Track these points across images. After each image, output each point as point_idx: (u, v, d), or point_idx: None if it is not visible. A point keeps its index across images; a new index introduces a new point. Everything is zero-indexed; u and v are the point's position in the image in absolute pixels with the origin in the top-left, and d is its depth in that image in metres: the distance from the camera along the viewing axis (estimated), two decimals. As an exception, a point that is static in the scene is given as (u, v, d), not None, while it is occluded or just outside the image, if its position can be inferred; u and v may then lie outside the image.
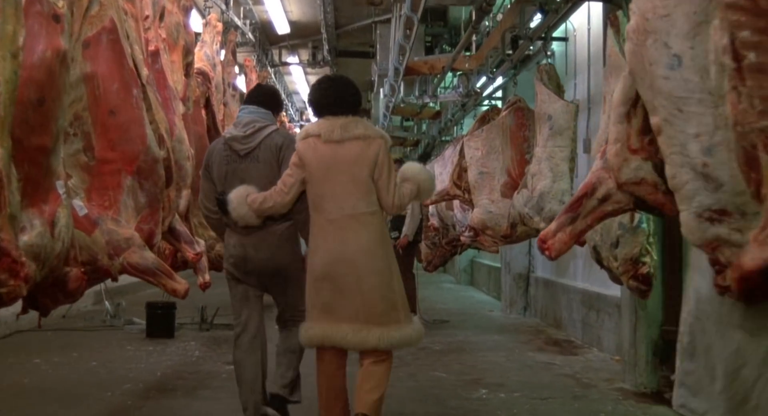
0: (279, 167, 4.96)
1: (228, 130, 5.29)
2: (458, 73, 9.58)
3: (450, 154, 10.76)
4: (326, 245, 4.60)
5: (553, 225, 3.20)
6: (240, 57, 13.53)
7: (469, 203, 8.50)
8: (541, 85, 5.96)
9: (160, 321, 9.61)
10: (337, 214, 4.59)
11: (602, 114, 4.08)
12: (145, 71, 5.30)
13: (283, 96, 19.50)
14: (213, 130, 8.79)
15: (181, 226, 5.60)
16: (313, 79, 19.42)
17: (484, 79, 9.30)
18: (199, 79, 8.57)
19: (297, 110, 24.52)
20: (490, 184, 7.06)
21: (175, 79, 6.74)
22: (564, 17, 6.68)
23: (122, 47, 4.83)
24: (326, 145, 4.62)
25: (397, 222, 10.55)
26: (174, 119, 6.08)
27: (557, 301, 10.65)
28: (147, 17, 6.02)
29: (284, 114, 17.78)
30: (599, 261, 4.21)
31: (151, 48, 6.09)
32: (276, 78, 17.26)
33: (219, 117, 9.09)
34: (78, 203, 4.64)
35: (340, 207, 4.58)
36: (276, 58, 15.20)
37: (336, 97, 4.76)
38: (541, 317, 11.60)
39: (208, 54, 8.87)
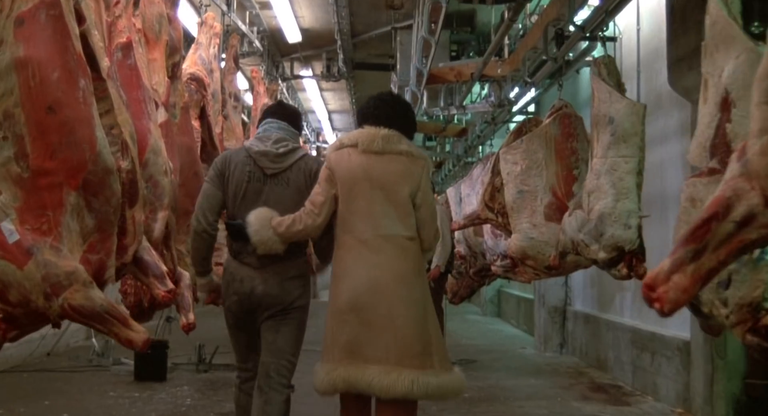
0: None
1: (252, 143, 4.76)
2: (488, 81, 8.52)
3: (479, 173, 9.71)
4: (356, 270, 4.12)
5: (666, 265, 2.09)
6: (247, 68, 12.57)
7: (504, 228, 7.40)
8: (600, 82, 4.86)
9: (150, 363, 8.58)
10: (370, 234, 4.13)
11: (701, 104, 2.99)
12: (105, 62, 4.27)
13: (298, 114, 18.50)
14: (209, 145, 7.76)
15: (150, 256, 4.53)
16: (329, 96, 18.47)
17: (516, 90, 8.28)
18: (192, 86, 7.57)
19: (313, 130, 23.50)
20: (531, 204, 5.98)
21: (156, 80, 5.72)
22: (613, 12, 5.61)
23: (66, 26, 3.79)
24: (364, 155, 4.20)
25: None
26: (148, 125, 5.05)
27: (600, 339, 9.52)
28: (117, 2, 5.02)
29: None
30: (696, 306, 3.09)
31: (122, 39, 5.09)
32: (289, 94, 16.24)
33: (216, 129, 8.04)
34: (7, 227, 3.59)
35: (375, 226, 4.14)
36: (288, 71, 14.17)
37: (384, 107, 4.35)
38: (580, 356, 10.47)
39: (203, 57, 7.84)
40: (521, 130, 7.39)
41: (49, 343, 10.09)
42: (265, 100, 11.44)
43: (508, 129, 9.19)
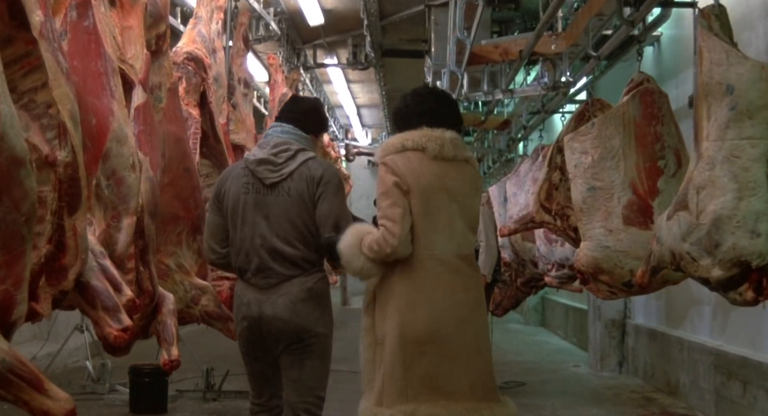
0: (314, 206, 4.16)
1: (252, 152, 4.45)
2: (540, 60, 7.30)
3: (528, 168, 8.55)
4: (437, 294, 3.81)
5: None
6: (264, 56, 11.41)
7: (564, 233, 6.21)
8: (711, 37, 3.62)
9: (148, 392, 7.45)
10: (451, 254, 3.87)
11: None
12: (37, 17, 3.15)
13: (327, 115, 17.36)
14: (211, 137, 6.66)
15: (100, 281, 3.39)
16: (357, 88, 17.33)
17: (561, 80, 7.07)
18: (190, 67, 6.45)
19: (341, 127, 22.37)
20: (605, 204, 4.79)
21: (132, 53, 4.63)
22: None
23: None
24: (435, 162, 3.90)
25: None
26: (110, 106, 3.97)
27: (671, 360, 8.27)
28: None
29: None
30: None
31: (76, -6, 4.02)
32: (313, 86, 15.11)
33: (221, 119, 6.93)
34: None
35: (457, 244, 3.90)
36: (310, 59, 13.00)
37: (445, 105, 4.10)
38: (644, 377, 9.22)
39: (203, 34, 6.72)
40: (583, 115, 6.23)
41: (42, 365, 9.02)
42: (284, 90, 10.34)
43: (563, 118, 7.97)
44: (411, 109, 4.07)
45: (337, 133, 21.50)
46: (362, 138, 23.64)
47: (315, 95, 15.65)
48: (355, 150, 23.38)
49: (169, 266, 5.15)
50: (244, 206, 4.22)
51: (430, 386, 3.77)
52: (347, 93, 17.23)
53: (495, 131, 12.16)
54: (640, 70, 5.12)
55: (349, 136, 23.92)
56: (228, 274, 6.47)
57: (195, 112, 6.44)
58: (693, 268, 3.65)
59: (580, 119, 6.22)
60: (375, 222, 4.13)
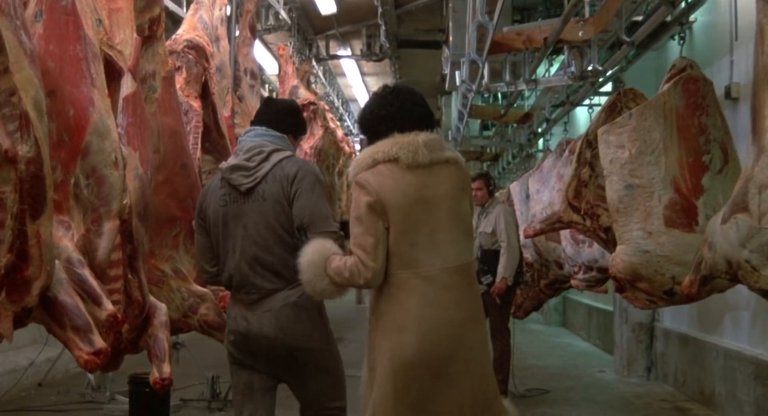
0: (290, 207, 3.96)
1: (228, 160, 4.21)
2: (565, 48, 6.83)
3: (551, 164, 8.07)
4: (425, 315, 3.54)
5: None
6: (274, 47, 10.98)
7: (594, 234, 5.76)
8: (776, 12, 3.17)
9: (149, 402, 6.99)
10: (437, 269, 3.57)
11: None
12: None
13: (338, 104, 16.93)
14: (214, 131, 6.23)
15: (70, 296, 2.95)
16: (371, 81, 16.91)
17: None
18: (190, 55, 6.03)
19: (355, 122, 21.91)
20: (644, 204, 4.34)
21: (121, 38, 4.23)
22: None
23: None
24: (410, 172, 3.60)
25: (488, 259, 7.84)
26: (89, 95, 3.55)
27: (704, 368, 7.81)
28: None
29: (338, 125, 15.16)
30: None
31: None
32: (326, 79, 14.69)
33: (225, 112, 6.50)
34: None
35: (444, 257, 3.59)
36: (323, 51, 12.57)
37: (410, 103, 3.74)
38: (675, 385, 8.75)
39: (205, 20, 6.29)
40: (615, 106, 5.78)
41: (41, 370, 8.65)
42: (294, 82, 9.95)
43: (591, 110, 7.50)
44: (376, 114, 3.78)
45: (351, 127, 21.09)
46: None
47: (328, 88, 15.25)
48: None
49: (164, 272, 4.73)
50: (224, 220, 4.06)
51: (421, 409, 3.55)
52: (362, 86, 16.84)
53: (515, 125, 11.69)
54: (682, 55, 4.65)
55: (364, 130, 23.55)
56: None
57: (196, 104, 6.02)
58: (753, 279, 3.19)
59: (611, 111, 5.78)
60: (343, 227, 4.01)
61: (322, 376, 4.08)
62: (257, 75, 7.73)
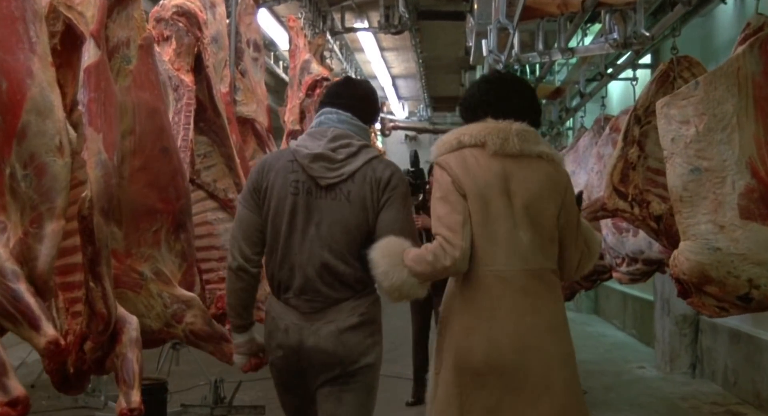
0: (376, 216, 3.59)
1: (300, 142, 3.76)
2: (606, 12, 6.07)
3: (588, 143, 7.36)
4: (497, 318, 3.32)
5: None
6: (284, 18, 10.27)
7: (644, 224, 5.05)
8: None
9: (145, 410, 6.34)
10: (516, 269, 3.35)
11: None
12: None
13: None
14: (209, 109, 5.57)
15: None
16: (391, 57, 16.19)
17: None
18: (180, 23, 5.34)
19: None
20: (715, 191, 3.62)
21: (78, -1, 3.54)
22: None
23: None
24: (495, 159, 3.40)
25: None
26: (26, 64, 2.87)
27: (759, 367, 7.10)
28: None
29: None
30: None
31: None
32: (343, 55, 13.95)
33: (222, 88, 5.82)
34: None
35: (523, 258, 3.36)
36: (338, 23, 11.82)
37: (510, 90, 3.56)
38: (725, 384, 8.04)
39: (198, -17, 5.56)
40: (667, 76, 5.08)
41: (34, 371, 8.04)
42: (306, 57, 9.22)
43: (634, 83, 6.72)
44: (476, 98, 3.62)
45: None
46: (398, 111, 22.58)
47: (345, 64, 14.53)
48: (392, 124, 22.37)
49: (142, 274, 4.04)
50: (292, 209, 3.64)
51: None
52: (381, 62, 16.09)
53: (545, 101, 10.95)
54: (759, 12, 3.91)
55: (385, 109, 22.77)
56: None
57: (188, 79, 5.32)
58: None
59: (663, 81, 5.07)
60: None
61: (362, 395, 3.70)
62: (261, 47, 7.01)
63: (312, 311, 3.62)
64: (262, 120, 6.75)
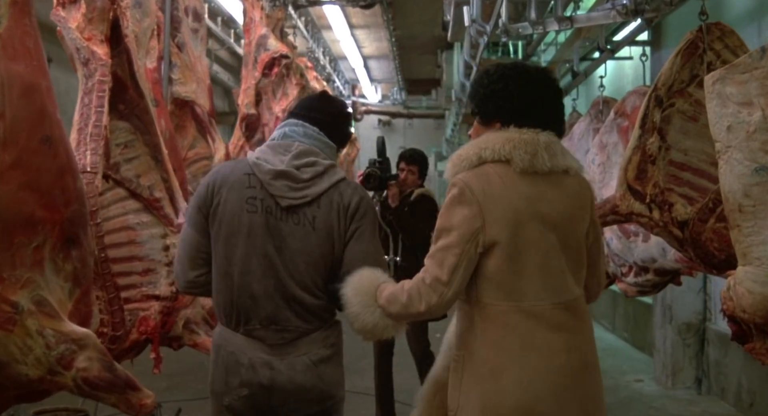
0: (344, 245, 3.35)
1: (260, 154, 3.41)
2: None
3: (584, 129, 6.50)
4: (528, 360, 3.00)
5: None
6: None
7: (665, 231, 4.14)
8: None
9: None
10: (548, 303, 3.03)
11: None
12: None
13: (324, 61, 15.23)
14: (130, 88, 4.64)
15: None
16: (362, 35, 15.31)
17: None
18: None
19: (346, 82, 20.29)
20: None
21: None
22: None
23: None
24: (524, 180, 3.05)
25: None
26: None
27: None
28: None
29: (325, 86, 13.46)
30: None
31: None
32: (309, 32, 12.96)
33: (149, 63, 4.87)
34: None
35: (555, 291, 3.04)
36: (301, -6, 10.89)
37: (538, 92, 3.15)
38: (738, 404, 7.16)
39: (115, -67, 4.59)
40: (695, 47, 4.21)
41: None
42: (262, 31, 8.28)
43: (644, 58, 5.76)
44: (497, 95, 3.15)
45: (342, 89, 19.45)
46: (371, 94, 21.68)
47: (311, 43, 13.57)
48: (364, 108, 21.54)
49: (17, 306, 3.08)
50: (249, 229, 3.32)
51: None
52: (351, 41, 15.22)
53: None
54: None
55: (356, 92, 21.90)
56: (158, 292, 4.67)
57: (101, 51, 4.37)
58: None
59: (690, 53, 4.17)
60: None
61: None
62: (202, 16, 6.06)
63: (282, 342, 3.32)
64: (203, 102, 5.80)
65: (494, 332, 3.07)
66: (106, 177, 4.42)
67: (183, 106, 5.74)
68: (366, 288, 3.21)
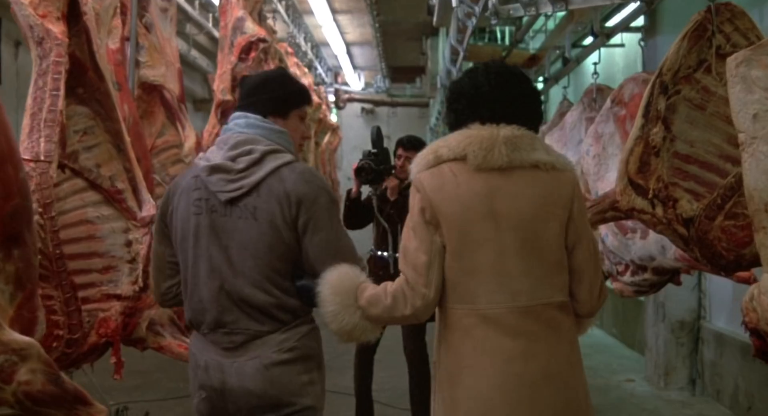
0: (296, 237, 3.24)
1: (208, 152, 3.41)
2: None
3: (577, 118, 6.24)
4: (482, 366, 2.93)
5: None
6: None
7: (668, 228, 3.86)
8: None
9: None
10: (504, 307, 2.93)
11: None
12: None
13: (306, 48, 14.89)
14: (90, 70, 4.38)
15: None
16: (345, 21, 15.07)
17: None
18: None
19: (329, 70, 19.95)
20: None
21: None
22: None
23: None
24: (480, 176, 2.99)
25: None
26: None
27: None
28: None
29: (306, 72, 13.13)
30: None
31: None
32: (289, 17, 12.63)
33: (111, 43, 4.58)
34: None
35: (512, 293, 2.93)
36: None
37: (499, 85, 3.08)
38: (734, 407, 6.91)
39: None
40: (703, 29, 3.94)
41: None
42: (239, 14, 7.92)
43: (642, 43, 5.46)
44: (464, 95, 3.13)
45: (324, 76, 19.11)
46: (354, 82, 21.35)
47: (292, 28, 13.24)
48: (347, 96, 21.23)
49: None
50: (196, 232, 3.30)
51: None
52: (333, 27, 14.89)
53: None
54: None
55: (339, 79, 21.58)
56: (120, 292, 4.40)
57: (57, 29, 4.09)
58: None
59: (698, 36, 3.88)
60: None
61: None
62: (173, -5, 5.72)
63: (232, 346, 3.24)
64: (173, 86, 5.49)
65: (450, 337, 3.03)
66: (62, 166, 4.18)
67: (151, 90, 5.44)
68: (345, 287, 3.11)
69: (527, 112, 3.11)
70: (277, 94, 3.43)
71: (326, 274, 3.15)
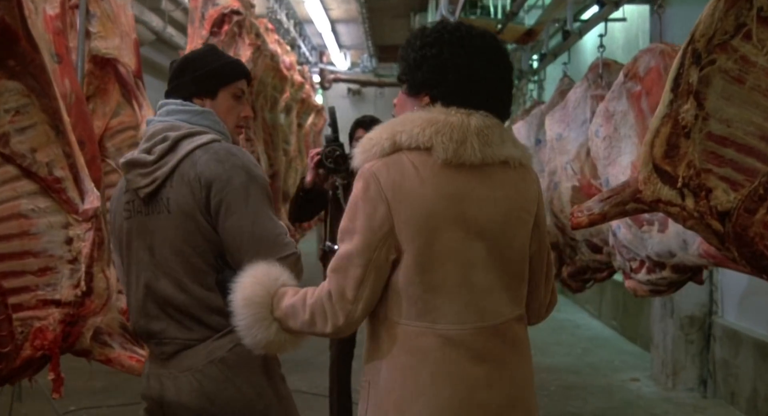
0: (212, 226, 2.97)
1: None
2: None
3: (581, 95, 5.71)
4: (437, 391, 2.57)
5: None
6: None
7: (699, 223, 3.32)
8: None
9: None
10: (468, 327, 2.59)
11: None
12: None
13: (288, 25, 14.30)
14: (23, 39, 3.86)
15: None
16: (328, -4, 14.34)
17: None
18: None
19: (313, 49, 19.39)
20: None
21: None
22: None
23: None
24: (447, 174, 2.57)
25: None
26: None
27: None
28: None
29: (288, 51, 12.52)
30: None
31: None
32: (270, -8, 12.04)
33: (49, 9, 4.07)
34: None
35: (479, 311, 2.59)
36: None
37: (477, 60, 2.62)
38: (751, 412, 6.37)
39: None
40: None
41: None
42: (210, -15, 7.38)
43: (657, 9, 4.90)
44: (428, 61, 2.62)
45: (308, 55, 18.54)
46: (340, 61, 20.85)
47: (272, 3, 12.65)
48: (332, 76, 20.68)
49: None
50: (127, 237, 3.13)
51: None
52: (317, 2, 14.26)
53: (514, 45, 9.20)
54: None
55: (324, 59, 21.03)
56: (59, 297, 3.87)
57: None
58: None
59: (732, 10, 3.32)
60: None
61: None
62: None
63: (165, 357, 3.05)
64: (128, 60, 4.93)
65: (403, 357, 2.64)
66: (-11, 151, 3.60)
67: (104, 64, 4.88)
68: (259, 296, 2.71)
69: (504, 97, 2.70)
70: (199, 74, 3.14)
71: (240, 278, 2.78)
